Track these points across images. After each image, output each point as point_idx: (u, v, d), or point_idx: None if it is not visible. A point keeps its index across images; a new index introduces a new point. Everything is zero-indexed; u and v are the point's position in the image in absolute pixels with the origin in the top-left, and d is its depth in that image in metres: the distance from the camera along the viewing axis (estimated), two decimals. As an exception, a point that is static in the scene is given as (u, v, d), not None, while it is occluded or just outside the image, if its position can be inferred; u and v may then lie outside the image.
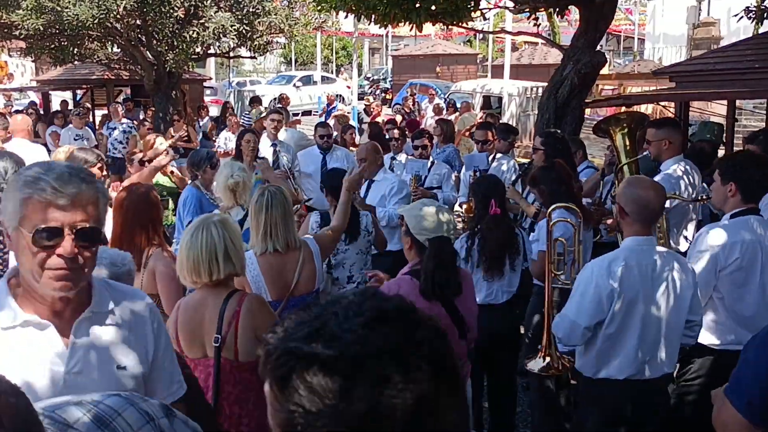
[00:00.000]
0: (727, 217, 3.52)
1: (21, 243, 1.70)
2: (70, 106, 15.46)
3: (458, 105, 16.48)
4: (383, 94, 30.92)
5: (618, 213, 3.14)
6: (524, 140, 16.32)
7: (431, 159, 7.00)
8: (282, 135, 8.48)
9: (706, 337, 3.47)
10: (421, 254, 3.24)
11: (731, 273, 3.39)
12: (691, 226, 4.77)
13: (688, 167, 4.67)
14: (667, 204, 4.33)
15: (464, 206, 6.64)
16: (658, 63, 28.07)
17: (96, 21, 10.31)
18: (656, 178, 4.70)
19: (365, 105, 16.98)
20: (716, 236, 3.42)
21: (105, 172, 5.20)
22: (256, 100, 16.17)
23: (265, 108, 14.89)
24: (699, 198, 4.49)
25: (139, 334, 1.92)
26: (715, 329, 3.49)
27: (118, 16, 10.70)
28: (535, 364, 3.87)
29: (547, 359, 3.76)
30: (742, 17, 7.92)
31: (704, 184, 4.83)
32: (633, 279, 3.03)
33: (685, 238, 4.65)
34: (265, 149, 7.29)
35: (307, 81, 30.21)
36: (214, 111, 19.36)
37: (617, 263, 3.05)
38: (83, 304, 1.82)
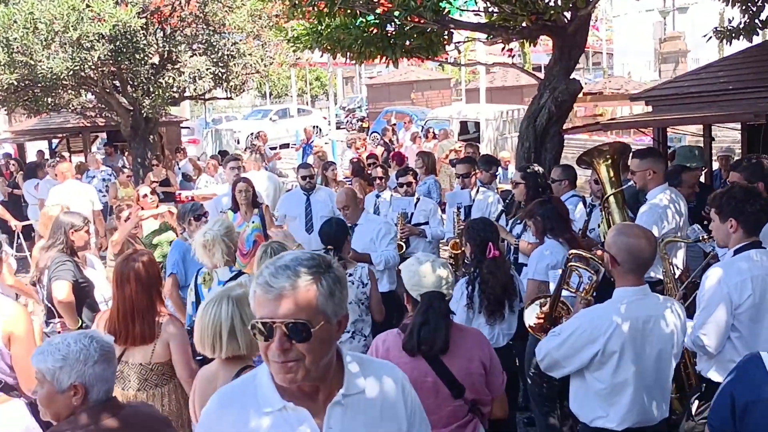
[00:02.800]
0: (731, 254, 3.47)
1: None
2: (47, 156, 15.29)
3: (436, 132, 16.60)
4: (360, 123, 31.08)
5: (609, 262, 3.07)
6: (504, 163, 16.45)
7: (416, 195, 7.02)
8: (261, 178, 8.42)
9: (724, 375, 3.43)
10: (414, 308, 3.18)
11: (747, 310, 3.34)
12: (681, 254, 4.80)
13: (673, 195, 4.72)
14: (655, 232, 4.36)
15: (450, 242, 6.67)
16: (628, 78, 28.60)
17: (70, 72, 10.25)
18: (642, 208, 4.76)
19: (348, 141, 16.86)
20: (725, 277, 3.36)
21: (91, 234, 5.13)
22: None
23: (245, 148, 14.80)
24: (701, 238, 4.44)
25: (389, 414, 1.91)
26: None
27: (93, 66, 10.65)
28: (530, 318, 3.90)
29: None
30: (711, 38, 8.11)
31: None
32: (623, 336, 2.97)
33: (675, 266, 4.68)
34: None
35: (283, 114, 30.27)
36: (192, 151, 19.23)
37: (604, 321, 2.99)
38: (336, 387, 1.82)
